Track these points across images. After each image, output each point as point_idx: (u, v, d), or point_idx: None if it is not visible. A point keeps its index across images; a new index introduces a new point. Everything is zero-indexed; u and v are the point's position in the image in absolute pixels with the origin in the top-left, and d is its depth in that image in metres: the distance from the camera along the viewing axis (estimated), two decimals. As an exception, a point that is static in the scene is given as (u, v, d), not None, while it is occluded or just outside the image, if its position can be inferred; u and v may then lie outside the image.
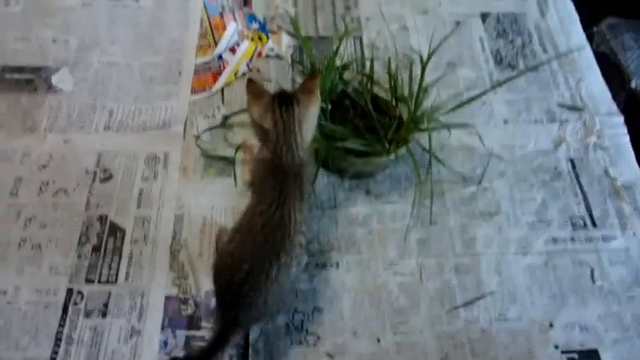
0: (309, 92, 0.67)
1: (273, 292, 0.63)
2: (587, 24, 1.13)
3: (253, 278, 0.62)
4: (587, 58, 1.01)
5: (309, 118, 0.67)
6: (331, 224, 0.80)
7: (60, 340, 0.68)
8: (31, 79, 0.89)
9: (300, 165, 0.67)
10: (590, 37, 1.08)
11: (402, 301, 0.74)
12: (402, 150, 0.77)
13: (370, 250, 0.78)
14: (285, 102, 0.65)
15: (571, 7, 1.10)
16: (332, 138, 0.76)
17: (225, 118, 0.85)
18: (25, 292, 0.71)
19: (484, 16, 1.05)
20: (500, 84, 0.82)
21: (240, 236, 0.65)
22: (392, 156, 0.77)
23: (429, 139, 0.76)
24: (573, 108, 0.94)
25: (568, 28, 1.05)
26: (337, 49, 0.81)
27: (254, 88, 0.68)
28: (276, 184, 0.65)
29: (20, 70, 0.90)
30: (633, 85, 1.15)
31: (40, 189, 0.79)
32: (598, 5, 1.20)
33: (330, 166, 0.83)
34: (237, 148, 0.83)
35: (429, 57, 0.80)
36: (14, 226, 0.75)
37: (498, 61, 1.00)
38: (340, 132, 0.76)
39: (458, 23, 1.03)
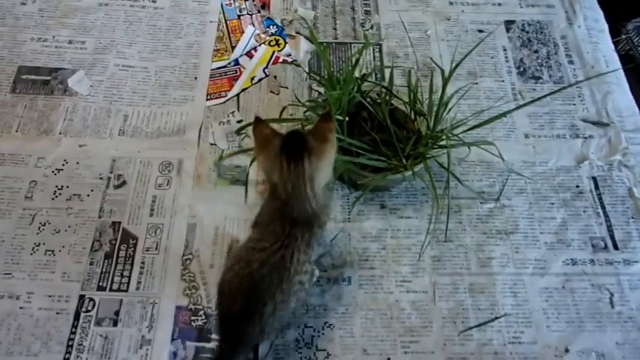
0: (324, 140, 0.58)
1: (270, 325, 0.60)
2: (614, 25, 1.09)
3: (247, 315, 0.59)
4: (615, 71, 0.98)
5: (324, 169, 0.59)
6: (344, 238, 0.79)
7: (71, 347, 0.69)
8: (47, 81, 0.89)
9: (313, 215, 0.61)
10: (616, 40, 1.05)
11: (413, 320, 0.73)
12: (419, 165, 0.75)
13: (383, 266, 0.77)
14: (295, 155, 0.57)
15: (600, 16, 1.06)
16: (348, 152, 0.75)
17: (241, 128, 0.84)
18: (38, 298, 0.71)
19: (508, 25, 1.02)
20: (525, 104, 0.79)
21: (238, 269, 0.60)
22: (409, 172, 0.75)
23: (448, 156, 0.74)
24: (598, 123, 0.91)
25: (596, 38, 1.02)
26: (357, 61, 0.79)
27: (261, 133, 0.60)
28: (284, 227, 0.60)
29: (37, 70, 0.90)
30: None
31: (55, 193, 0.79)
32: (626, 7, 1.16)
33: (345, 179, 0.81)
34: (252, 161, 0.80)
35: (451, 73, 0.78)
36: (28, 230, 0.76)
37: (522, 71, 0.97)
38: (357, 146, 0.74)
39: (480, 31, 1.01)
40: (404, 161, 0.75)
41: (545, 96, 0.88)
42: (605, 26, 1.04)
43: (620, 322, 0.74)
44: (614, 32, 1.13)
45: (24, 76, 0.89)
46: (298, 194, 0.58)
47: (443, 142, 0.76)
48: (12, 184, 0.79)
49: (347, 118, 0.76)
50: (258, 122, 0.61)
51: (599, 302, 0.75)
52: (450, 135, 0.75)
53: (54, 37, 0.93)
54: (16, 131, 0.84)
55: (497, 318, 0.73)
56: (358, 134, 0.78)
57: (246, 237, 0.67)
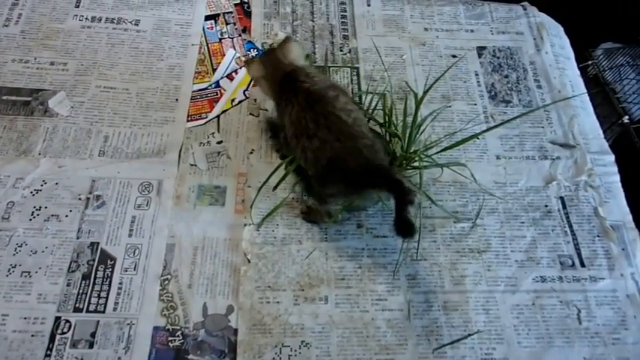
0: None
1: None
2: (581, 51, 1.15)
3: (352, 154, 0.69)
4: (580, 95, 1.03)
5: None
6: (321, 257, 0.80)
7: (46, 370, 0.68)
8: (28, 101, 0.89)
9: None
10: (583, 65, 1.10)
11: (389, 338, 0.75)
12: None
13: (359, 284, 0.79)
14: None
15: (566, 43, 1.11)
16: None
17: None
18: (13, 320, 0.71)
19: (480, 50, 1.07)
20: (496, 125, 0.84)
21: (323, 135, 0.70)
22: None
23: (420, 177, 0.77)
24: (565, 145, 0.95)
25: (563, 64, 1.07)
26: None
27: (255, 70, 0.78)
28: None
29: (18, 91, 0.90)
30: (626, 120, 1.17)
31: (32, 214, 0.79)
32: (594, 31, 1.22)
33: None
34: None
35: (423, 95, 0.81)
36: (4, 251, 0.75)
37: (493, 95, 1.01)
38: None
39: (454, 56, 1.05)
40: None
41: (514, 118, 0.93)
42: (571, 53, 1.10)
43: (587, 337, 0.77)
44: (582, 57, 1.19)
45: (4, 97, 0.89)
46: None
47: (416, 164, 0.79)
48: (-11, 204, 0.79)
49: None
50: (249, 62, 0.80)
51: (567, 318, 0.78)
52: (422, 156, 0.78)
53: (35, 58, 0.94)
54: (-6, 152, 0.84)
55: (470, 335, 0.75)
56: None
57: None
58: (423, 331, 0.75)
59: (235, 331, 0.73)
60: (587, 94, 1.03)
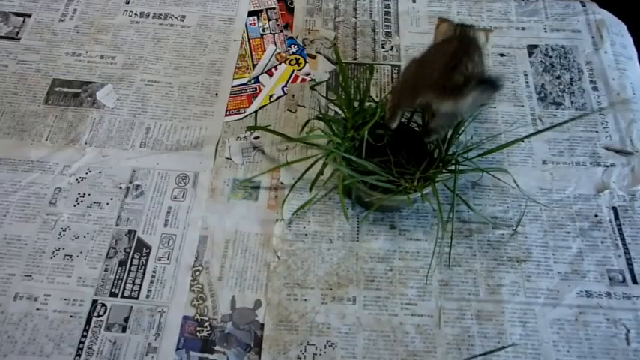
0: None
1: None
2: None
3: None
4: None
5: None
6: (352, 257, 0.79)
7: (81, 350, 0.71)
8: (78, 93, 0.94)
9: None
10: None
11: (417, 344, 0.72)
12: (428, 188, 0.75)
13: (389, 287, 0.77)
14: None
15: (629, 42, 1.03)
16: (358, 171, 0.75)
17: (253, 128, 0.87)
18: (54, 301, 0.74)
19: (531, 49, 1.01)
20: (544, 129, 0.79)
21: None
22: (417, 195, 0.75)
23: (455, 181, 0.74)
24: (622, 152, 0.88)
25: (624, 65, 0.99)
26: (368, 84, 0.80)
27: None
28: None
29: (69, 83, 0.95)
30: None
31: (77, 200, 0.83)
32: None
33: (354, 198, 0.82)
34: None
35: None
36: (50, 235, 0.79)
37: (542, 97, 0.95)
38: (368, 167, 0.75)
39: (502, 55, 1.00)
40: (414, 183, 0.75)
41: (565, 122, 0.87)
42: (634, 53, 1.02)
43: (635, 359, 0.71)
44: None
45: (57, 89, 0.94)
46: None
47: (453, 167, 0.76)
48: (39, 190, 0.83)
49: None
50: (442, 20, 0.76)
51: (613, 337, 0.73)
52: (459, 159, 0.75)
53: (87, 52, 0.99)
54: (46, 140, 0.88)
55: (504, 347, 0.72)
56: (373, 153, 0.79)
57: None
58: (453, 340, 0.73)
59: (262, 325, 0.73)
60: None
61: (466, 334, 0.73)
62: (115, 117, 0.91)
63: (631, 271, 0.78)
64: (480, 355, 0.71)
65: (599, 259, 0.79)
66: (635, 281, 0.77)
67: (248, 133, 0.90)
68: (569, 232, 0.81)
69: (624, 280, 0.77)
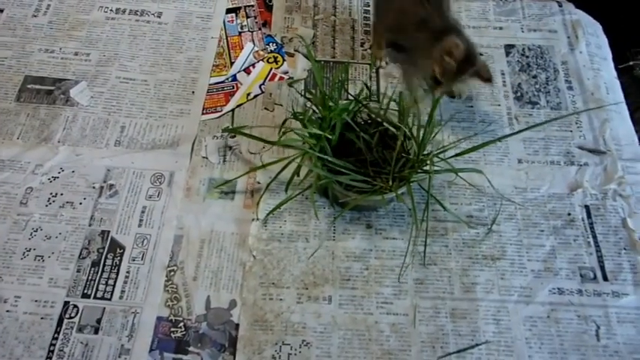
0: None
1: None
2: (621, 52, 1.08)
3: None
4: (615, 97, 0.96)
5: None
6: (328, 256, 0.79)
7: (52, 352, 0.70)
8: (51, 91, 0.92)
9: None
10: (623, 66, 1.04)
11: (392, 343, 0.73)
12: (403, 188, 0.75)
13: (365, 286, 0.77)
14: None
15: (603, 42, 1.05)
16: (333, 171, 0.75)
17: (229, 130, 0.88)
18: (25, 303, 0.73)
19: (508, 49, 1.02)
20: (521, 130, 0.82)
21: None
22: (392, 195, 0.75)
23: (429, 181, 0.74)
24: (595, 151, 0.90)
25: (598, 65, 1.00)
26: (342, 82, 0.80)
27: None
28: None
29: (42, 80, 0.93)
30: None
31: (49, 200, 0.81)
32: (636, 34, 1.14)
33: (331, 197, 0.82)
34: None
35: (441, 95, 0.78)
36: (20, 235, 0.78)
37: (519, 96, 0.96)
38: (342, 166, 0.75)
39: (480, 54, 1.00)
40: (389, 183, 0.75)
41: (544, 123, 0.88)
42: (609, 53, 1.03)
43: (605, 355, 0.72)
44: (622, 58, 1.12)
45: (29, 86, 0.92)
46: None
47: (427, 167, 0.76)
48: (9, 189, 0.82)
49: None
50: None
51: (584, 334, 0.74)
52: (433, 159, 0.75)
53: (60, 48, 0.97)
54: (17, 138, 0.87)
55: (477, 345, 0.72)
56: (350, 153, 0.79)
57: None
58: (428, 338, 0.73)
59: (237, 326, 0.73)
60: (623, 98, 0.96)
61: (440, 332, 0.73)
62: (89, 115, 0.90)
63: (602, 268, 0.79)
64: (454, 352, 0.72)
65: (571, 257, 0.80)
66: (605, 278, 0.78)
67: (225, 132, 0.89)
68: (542, 231, 0.82)
69: (595, 277, 0.78)
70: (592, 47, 1.03)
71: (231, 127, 0.90)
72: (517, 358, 0.72)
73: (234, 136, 0.89)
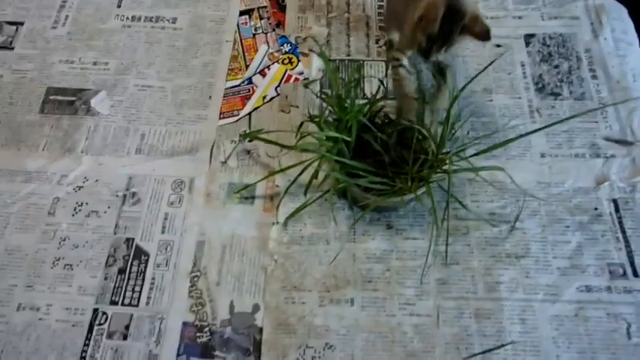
0: None
1: None
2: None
3: None
4: (643, 85, 0.93)
5: None
6: (349, 258, 0.79)
7: (84, 358, 0.72)
8: (72, 101, 0.94)
9: None
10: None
11: (415, 344, 0.73)
12: (423, 189, 0.74)
13: (387, 287, 0.77)
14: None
15: (629, 27, 1.01)
16: (351, 174, 0.75)
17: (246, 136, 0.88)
18: (56, 310, 0.76)
19: (528, 39, 0.99)
20: (544, 127, 0.79)
21: None
22: (411, 196, 0.74)
23: (449, 180, 0.73)
24: (622, 142, 0.87)
25: (624, 51, 0.97)
26: (358, 80, 0.79)
27: None
28: None
29: (64, 91, 0.95)
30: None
31: (75, 210, 0.83)
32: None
33: (350, 199, 0.82)
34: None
35: (460, 91, 0.77)
36: (49, 245, 0.80)
37: (540, 87, 0.93)
38: (361, 168, 0.74)
39: (498, 46, 0.98)
40: (408, 184, 0.75)
41: (568, 118, 0.85)
42: (635, 38, 0.99)
43: (636, 354, 0.70)
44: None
45: (52, 97, 0.94)
46: None
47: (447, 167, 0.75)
48: (37, 200, 0.84)
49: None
50: None
51: (614, 332, 0.72)
52: (453, 159, 0.74)
53: (80, 58, 0.98)
54: (43, 150, 0.89)
55: (503, 345, 0.72)
56: (367, 153, 0.78)
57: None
58: (452, 339, 0.73)
59: (260, 330, 0.74)
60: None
61: (465, 333, 0.73)
62: (110, 124, 0.91)
63: (632, 264, 0.77)
64: (479, 353, 0.71)
65: (599, 253, 0.78)
66: (636, 274, 0.76)
67: (243, 135, 0.90)
68: (568, 227, 0.80)
69: (625, 273, 0.76)
70: (617, 32, 0.99)
71: (248, 130, 0.90)
72: (544, 359, 0.71)
73: (252, 140, 0.89)
